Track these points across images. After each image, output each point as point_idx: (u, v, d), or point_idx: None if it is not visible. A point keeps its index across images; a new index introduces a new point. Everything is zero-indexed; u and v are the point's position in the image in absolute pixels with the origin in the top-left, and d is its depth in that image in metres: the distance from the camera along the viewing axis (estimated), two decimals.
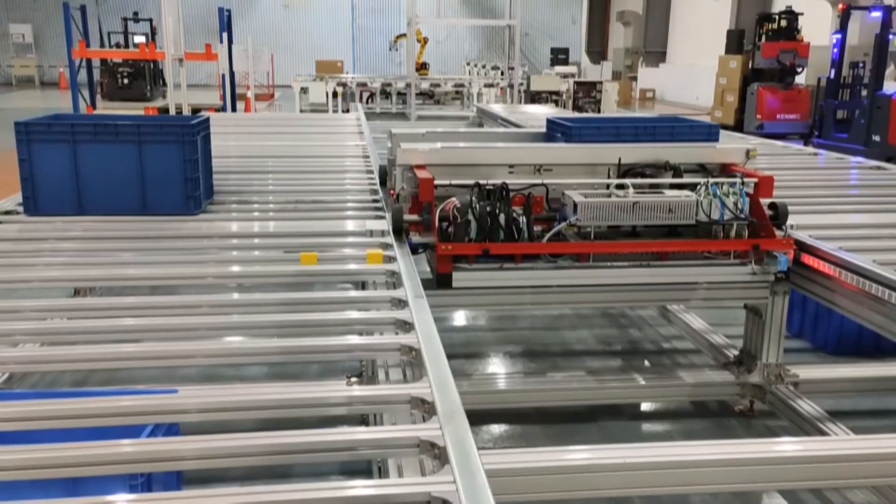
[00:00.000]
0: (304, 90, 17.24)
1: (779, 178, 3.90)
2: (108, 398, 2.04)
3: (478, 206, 3.50)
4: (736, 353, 4.23)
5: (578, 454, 2.26)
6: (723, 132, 8.50)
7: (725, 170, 4.01)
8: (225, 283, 3.32)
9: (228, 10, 14.00)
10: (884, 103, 11.73)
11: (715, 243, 3.67)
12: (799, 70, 15.60)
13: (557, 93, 18.05)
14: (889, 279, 3.01)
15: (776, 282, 3.74)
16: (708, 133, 4.35)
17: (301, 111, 16.65)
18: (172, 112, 11.87)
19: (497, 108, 10.15)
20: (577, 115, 8.51)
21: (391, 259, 3.16)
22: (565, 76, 20.13)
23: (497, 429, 4.04)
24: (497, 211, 3.50)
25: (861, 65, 13.05)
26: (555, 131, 4.53)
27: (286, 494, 1.57)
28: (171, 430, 2.40)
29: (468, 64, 25.69)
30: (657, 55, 28.55)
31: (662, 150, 4.04)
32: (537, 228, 3.58)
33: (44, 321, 2.77)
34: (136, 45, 18.98)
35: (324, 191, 4.54)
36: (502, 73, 20.84)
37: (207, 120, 4.29)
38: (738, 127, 15.35)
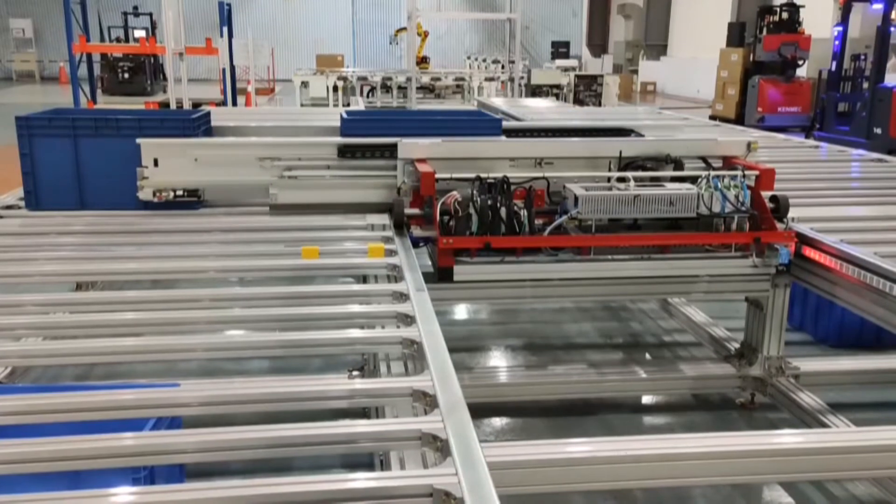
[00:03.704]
0: (304, 84, 17.22)
1: (780, 170, 3.90)
2: (110, 392, 2.04)
3: (479, 199, 3.50)
4: (737, 345, 4.24)
5: (579, 447, 2.26)
6: (723, 125, 8.49)
7: (727, 162, 4.01)
8: (226, 277, 3.33)
9: (228, 4, 13.97)
10: (885, 96, 11.71)
11: (716, 236, 3.67)
12: (800, 63, 15.59)
13: (558, 86, 18.03)
14: (890, 272, 3.01)
15: (777, 274, 3.74)
16: (491, 127, 4.27)
17: (302, 105, 16.63)
18: (173, 106, 11.86)
19: (498, 102, 10.11)
20: (372, 109, 7.96)
21: (392, 253, 3.16)
22: (566, 70, 20.11)
23: (498, 422, 4.05)
24: (498, 204, 3.50)
25: (862, 57, 13.02)
26: (342, 125, 4.41)
27: (288, 487, 1.58)
28: (174, 423, 2.40)
29: (469, 58, 25.62)
30: (658, 48, 28.51)
31: (664, 144, 4.05)
32: (538, 222, 3.58)
33: (45, 315, 2.78)
34: (136, 40, 18.92)
35: None
36: (503, 67, 20.77)
37: (208, 114, 4.30)
38: (740, 120, 15.35)
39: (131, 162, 3.84)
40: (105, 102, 15.54)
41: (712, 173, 3.68)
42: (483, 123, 4.30)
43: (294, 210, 3.88)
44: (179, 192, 3.89)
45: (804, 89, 15.34)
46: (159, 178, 3.87)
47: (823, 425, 3.56)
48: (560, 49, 29.43)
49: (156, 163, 3.85)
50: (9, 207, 3.96)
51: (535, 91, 17.63)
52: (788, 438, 2.45)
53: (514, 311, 5.69)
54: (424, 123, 4.29)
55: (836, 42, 13.28)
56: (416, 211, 3.63)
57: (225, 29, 13.47)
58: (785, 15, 15.82)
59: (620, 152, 3.92)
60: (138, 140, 3.83)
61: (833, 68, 13.35)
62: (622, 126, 4.88)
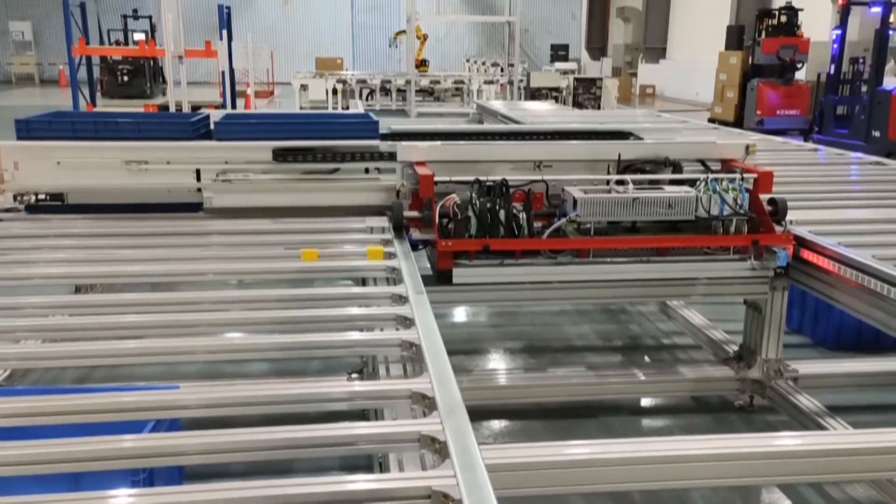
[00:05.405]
0: (303, 87, 17.27)
1: (778, 173, 3.91)
2: (110, 394, 2.04)
3: (478, 202, 3.51)
4: (736, 348, 4.24)
5: (579, 449, 2.26)
6: (722, 128, 8.50)
7: (725, 165, 4.02)
8: (226, 279, 3.33)
9: (228, 7, 13.98)
10: (884, 99, 11.72)
11: (714, 239, 3.67)
12: (799, 66, 15.60)
13: (557, 89, 18.06)
14: (888, 274, 3.02)
15: (776, 277, 3.74)
16: (368, 130, 4.12)
17: (301, 108, 16.65)
18: (172, 109, 11.87)
19: (497, 105, 10.16)
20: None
21: (391, 255, 3.17)
22: (565, 73, 20.15)
23: (497, 424, 4.05)
24: (497, 207, 3.51)
25: (861, 60, 13.05)
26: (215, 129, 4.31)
27: (287, 489, 1.58)
28: (173, 425, 2.41)
29: (468, 61, 25.66)
30: (657, 51, 28.50)
31: (662, 146, 4.06)
32: (537, 224, 3.59)
33: (45, 318, 2.78)
34: (135, 43, 18.97)
35: None
36: (502, 70, 20.82)
37: (207, 117, 4.30)
38: (738, 123, 15.35)
39: None
40: (104, 105, 15.56)
41: (711, 176, 3.69)
42: (359, 126, 4.21)
43: (235, 214, 3.82)
44: (42, 196, 3.78)
45: (803, 92, 15.35)
46: (20, 182, 3.75)
47: (822, 428, 3.57)
48: (559, 52, 29.45)
49: (16, 166, 3.73)
50: (9, 210, 3.96)
51: (534, 94, 17.66)
52: (787, 441, 2.46)
53: (513, 313, 5.70)
54: (299, 127, 4.15)
55: (835, 45, 13.30)
56: (415, 214, 3.63)
57: (224, 32, 13.47)
58: (784, 18, 15.83)
59: (619, 155, 3.93)
60: None
61: (832, 71, 13.37)
62: (621, 129, 4.89)
